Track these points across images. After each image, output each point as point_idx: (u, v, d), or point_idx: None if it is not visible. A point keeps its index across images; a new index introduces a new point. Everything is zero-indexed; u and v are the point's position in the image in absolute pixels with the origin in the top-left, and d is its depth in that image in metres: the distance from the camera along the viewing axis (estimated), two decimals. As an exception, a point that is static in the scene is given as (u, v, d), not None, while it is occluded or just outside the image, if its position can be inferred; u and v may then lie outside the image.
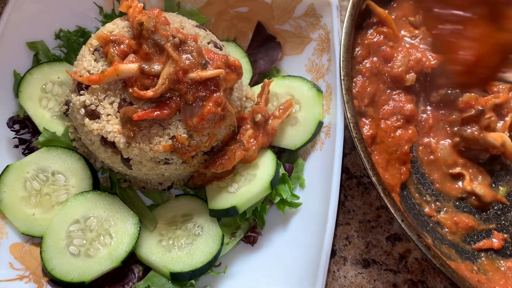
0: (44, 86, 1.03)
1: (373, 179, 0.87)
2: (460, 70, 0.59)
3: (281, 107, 1.01)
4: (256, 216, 0.98)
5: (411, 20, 1.15)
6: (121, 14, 1.04)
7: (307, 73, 1.07)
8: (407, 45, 1.11)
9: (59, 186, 0.96)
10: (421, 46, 1.11)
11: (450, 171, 1.08)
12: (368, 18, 1.11)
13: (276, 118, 1.00)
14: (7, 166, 0.95)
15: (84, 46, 0.95)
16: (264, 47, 1.12)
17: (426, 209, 1.04)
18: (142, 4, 0.92)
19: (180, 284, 0.91)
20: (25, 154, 1.01)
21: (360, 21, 1.08)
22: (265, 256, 0.97)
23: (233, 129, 0.98)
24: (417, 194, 1.05)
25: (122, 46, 0.88)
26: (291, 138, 1.02)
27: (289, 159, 1.04)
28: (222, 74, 0.87)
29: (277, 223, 0.99)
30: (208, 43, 0.96)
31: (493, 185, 1.08)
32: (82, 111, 0.89)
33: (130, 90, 0.86)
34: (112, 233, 0.92)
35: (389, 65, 1.08)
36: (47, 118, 1.02)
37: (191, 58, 0.85)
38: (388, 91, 1.08)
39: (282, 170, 0.99)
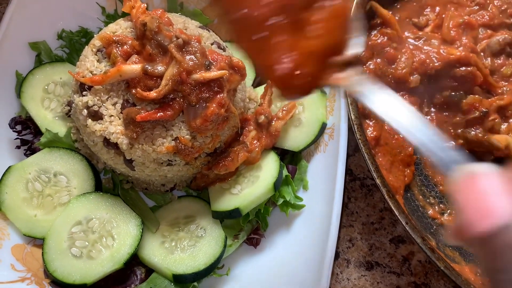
0: (46, 87, 1.03)
1: (378, 181, 0.87)
2: (280, 82, 0.56)
3: (284, 109, 1.01)
4: (259, 218, 0.98)
5: (415, 22, 1.15)
6: (124, 15, 1.04)
7: (310, 74, 1.07)
8: (411, 47, 1.10)
9: (61, 187, 0.96)
10: (425, 47, 1.10)
11: (454, 173, 1.07)
12: (372, 19, 1.10)
13: (280, 120, 1.00)
14: (9, 167, 0.95)
15: (86, 46, 0.94)
16: (267, 48, 1.11)
17: (430, 211, 1.03)
18: (145, 5, 0.92)
19: (183, 286, 0.91)
20: (27, 155, 1.01)
21: (364, 22, 1.08)
22: (268, 258, 0.97)
23: (236, 131, 0.97)
24: (420, 196, 1.05)
25: (125, 46, 0.87)
26: (295, 139, 1.02)
27: (292, 161, 1.04)
28: (226, 75, 0.86)
29: (280, 225, 0.99)
30: (212, 44, 0.96)
31: (497, 188, 1.07)
32: (85, 112, 0.89)
33: (133, 91, 0.86)
34: (115, 234, 0.91)
35: (393, 66, 1.07)
36: (49, 119, 1.02)
37: (195, 59, 0.84)
38: (392, 93, 1.07)
39: (285, 172, 0.98)
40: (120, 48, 0.88)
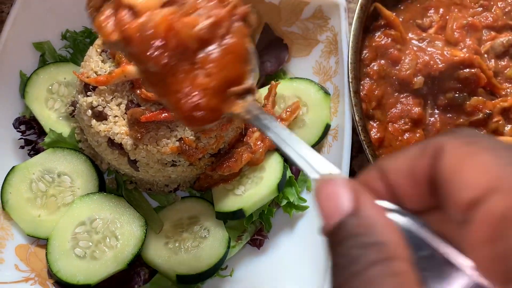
0: (50, 87, 1.03)
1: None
2: (184, 118, 0.62)
3: (288, 110, 1.01)
4: (263, 219, 0.98)
5: (419, 23, 1.15)
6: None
7: (314, 75, 1.07)
8: (415, 48, 1.10)
9: (65, 187, 0.96)
10: (428, 49, 1.10)
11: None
12: (376, 21, 1.10)
13: (283, 121, 1.00)
14: (13, 167, 0.95)
15: (91, 47, 0.94)
16: (271, 49, 1.11)
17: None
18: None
19: (187, 287, 0.91)
20: (30, 155, 1.01)
21: (368, 23, 1.08)
22: (271, 259, 0.97)
23: (240, 131, 0.97)
24: (424, 198, 1.05)
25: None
26: (298, 140, 1.02)
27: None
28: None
29: (284, 226, 0.99)
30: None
31: (501, 189, 1.07)
32: (89, 112, 0.89)
33: (138, 91, 0.86)
34: (118, 235, 0.91)
35: (396, 68, 1.07)
36: (53, 119, 1.02)
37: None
38: (396, 94, 1.07)
39: (289, 173, 0.98)
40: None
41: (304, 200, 0.98)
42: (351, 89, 0.95)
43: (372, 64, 1.07)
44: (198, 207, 0.98)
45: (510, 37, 1.12)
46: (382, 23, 1.10)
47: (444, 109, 1.10)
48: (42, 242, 0.94)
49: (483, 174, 0.38)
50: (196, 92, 0.60)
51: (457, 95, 1.09)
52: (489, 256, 0.37)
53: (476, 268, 0.40)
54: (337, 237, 0.41)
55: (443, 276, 0.42)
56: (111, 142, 0.89)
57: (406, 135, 1.05)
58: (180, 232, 0.95)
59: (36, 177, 0.95)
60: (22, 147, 1.01)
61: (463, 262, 0.42)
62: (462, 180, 0.39)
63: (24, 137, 1.01)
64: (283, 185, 0.95)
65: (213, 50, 0.61)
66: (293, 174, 1.00)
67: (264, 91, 1.05)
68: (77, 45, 1.08)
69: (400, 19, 1.12)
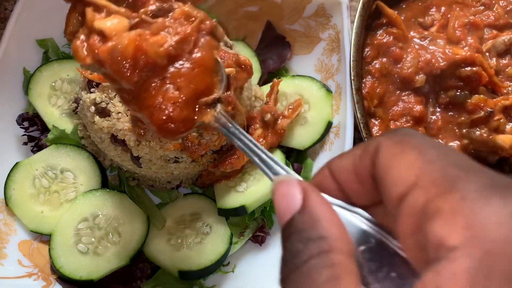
0: (53, 84, 1.03)
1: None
2: (158, 129, 0.67)
3: (290, 107, 1.01)
4: (265, 216, 0.98)
5: (420, 21, 1.15)
6: (131, 13, 1.04)
7: (316, 73, 1.07)
8: (417, 46, 1.11)
9: (68, 183, 0.96)
10: (430, 47, 1.11)
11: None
12: (378, 19, 1.10)
13: (285, 118, 1.00)
14: (16, 163, 0.95)
15: (94, 44, 0.94)
16: (273, 46, 1.11)
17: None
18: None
19: (189, 283, 0.91)
20: (34, 152, 1.01)
21: (370, 21, 1.08)
22: (273, 255, 0.97)
23: (242, 128, 0.97)
24: (425, 196, 1.05)
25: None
26: (300, 138, 1.02)
27: (297, 159, 1.04)
28: (233, 73, 0.86)
29: (286, 223, 0.99)
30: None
31: (502, 187, 1.07)
32: (92, 108, 0.89)
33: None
34: (121, 231, 0.91)
35: (398, 66, 1.07)
36: (56, 116, 1.02)
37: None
38: (398, 92, 1.07)
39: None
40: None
41: (306, 197, 0.98)
42: (353, 87, 0.96)
43: (374, 62, 1.07)
44: (200, 203, 0.99)
45: (511, 35, 1.13)
46: (384, 21, 1.10)
47: (446, 107, 1.10)
48: (45, 238, 0.94)
49: (407, 171, 0.41)
50: (167, 105, 0.64)
51: (458, 93, 1.09)
52: (414, 246, 0.40)
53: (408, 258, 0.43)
54: (286, 233, 0.44)
55: (387, 266, 0.45)
56: (114, 139, 0.89)
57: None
58: (182, 229, 0.96)
59: (39, 173, 0.96)
60: (25, 144, 1.02)
61: (402, 252, 0.45)
62: (391, 177, 0.42)
63: (27, 134, 1.02)
64: (285, 182, 0.96)
65: (181, 65, 0.66)
66: (294, 171, 1.00)
67: (266, 88, 1.06)
68: (80, 42, 1.09)
69: (402, 18, 1.12)
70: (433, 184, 0.39)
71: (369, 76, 1.06)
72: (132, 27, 0.65)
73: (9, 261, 0.88)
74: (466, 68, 1.07)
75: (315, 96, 1.03)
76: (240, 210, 0.93)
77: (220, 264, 0.93)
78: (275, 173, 0.55)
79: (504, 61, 1.13)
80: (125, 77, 0.64)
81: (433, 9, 1.17)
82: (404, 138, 0.44)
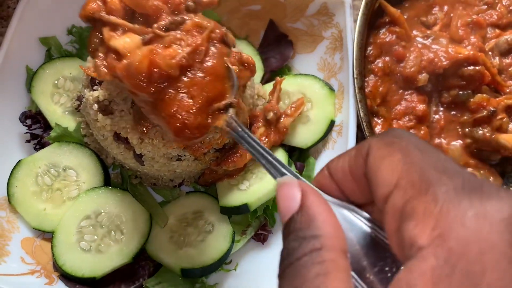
0: (56, 82, 1.04)
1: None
2: (175, 135, 0.72)
3: (293, 106, 1.01)
4: (267, 214, 0.98)
5: (423, 20, 1.15)
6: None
7: (319, 71, 1.07)
8: (419, 45, 1.10)
9: (70, 181, 0.96)
10: (433, 46, 1.11)
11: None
12: (380, 18, 1.10)
13: (288, 117, 1.00)
14: (19, 161, 0.95)
15: (97, 41, 0.95)
16: (276, 45, 1.11)
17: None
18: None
19: (191, 281, 0.91)
20: (36, 149, 1.01)
21: (372, 20, 1.08)
22: (275, 254, 0.97)
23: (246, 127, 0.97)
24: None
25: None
26: (303, 136, 1.02)
27: (300, 158, 1.04)
28: (236, 71, 0.86)
29: (288, 222, 0.99)
30: (222, 40, 0.96)
31: (505, 186, 1.07)
32: (95, 106, 0.89)
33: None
34: (123, 229, 0.92)
35: (401, 65, 1.07)
36: (58, 114, 1.03)
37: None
38: (400, 91, 1.07)
39: (293, 169, 0.98)
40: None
41: (308, 196, 0.98)
42: (356, 86, 0.96)
43: (377, 61, 1.07)
44: (203, 202, 0.99)
45: (514, 35, 1.13)
46: (387, 20, 1.10)
47: (448, 106, 1.10)
48: (47, 235, 0.94)
49: (391, 173, 0.44)
50: (182, 114, 0.69)
51: (461, 92, 1.09)
52: (396, 244, 0.43)
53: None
54: (286, 232, 0.47)
55: (381, 260, 0.47)
56: (117, 136, 0.89)
57: (411, 132, 1.05)
58: (184, 227, 0.96)
59: (41, 171, 0.96)
60: (28, 141, 1.02)
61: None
62: (378, 179, 0.45)
63: (30, 131, 1.02)
64: (287, 180, 0.96)
65: (194, 74, 0.70)
66: (297, 170, 1.00)
67: (269, 87, 1.06)
68: (83, 40, 1.09)
69: (405, 16, 1.12)
70: (411, 186, 0.42)
71: (372, 75, 1.06)
72: (146, 42, 0.70)
73: (12, 258, 0.89)
74: (469, 67, 1.07)
75: (318, 94, 1.03)
76: (242, 209, 0.93)
77: (223, 262, 0.93)
78: (282, 175, 0.58)
79: (507, 60, 1.12)
80: (142, 90, 0.69)
81: (436, 8, 1.17)
82: (394, 140, 0.46)
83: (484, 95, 1.08)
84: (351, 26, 1.02)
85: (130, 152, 0.91)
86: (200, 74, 0.70)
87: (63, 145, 0.98)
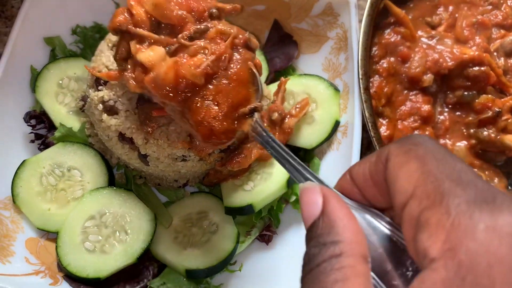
0: (60, 82, 1.03)
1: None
2: (204, 141, 0.76)
3: (297, 106, 1.01)
4: (272, 215, 0.98)
5: (428, 21, 1.15)
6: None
7: (323, 72, 1.07)
8: (424, 46, 1.10)
9: (75, 181, 0.96)
10: (438, 47, 1.10)
11: (466, 172, 1.06)
12: (385, 18, 1.10)
13: (293, 117, 1.00)
14: (24, 161, 0.95)
15: (102, 41, 0.95)
16: (280, 45, 1.11)
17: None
18: (161, 1, 0.92)
19: (196, 282, 0.91)
20: (40, 149, 1.01)
21: (377, 20, 1.08)
22: (279, 255, 0.97)
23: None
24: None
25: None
26: (307, 137, 1.02)
27: (304, 158, 1.04)
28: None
29: (293, 222, 0.99)
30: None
31: (510, 188, 1.07)
32: (100, 106, 0.89)
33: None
34: (128, 229, 0.91)
35: (406, 65, 1.07)
36: (63, 114, 1.02)
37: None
38: (405, 92, 1.07)
39: (298, 169, 0.98)
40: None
41: (313, 197, 0.98)
42: (361, 86, 0.96)
43: (382, 61, 1.07)
44: (207, 202, 0.98)
45: (520, 35, 1.12)
46: (392, 20, 1.10)
47: (453, 107, 1.10)
48: (52, 235, 0.94)
49: (408, 182, 0.45)
50: (209, 120, 0.72)
51: (466, 93, 1.09)
52: (413, 251, 0.44)
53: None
54: (308, 237, 0.49)
55: (402, 265, 0.48)
56: (121, 137, 0.89)
57: (416, 132, 1.05)
58: (189, 227, 0.95)
59: (46, 171, 0.95)
60: (32, 141, 1.02)
61: None
62: (396, 186, 0.46)
63: (34, 131, 1.02)
64: (292, 181, 0.95)
65: (219, 81, 0.73)
66: (302, 170, 0.99)
67: (273, 87, 1.05)
68: (87, 40, 1.09)
69: (410, 17, 1.12)
70: (426, 196, 0.43)
71: (377, 75, 1.05)
72: (172, 53, 0.73)
73: (16, 258, 0.88)
74: (474, 68, 1.07)
75: (323, 95, 1.03)
76: (247, 209, 0.93)
77: (227, 263, 0.93)
78: (306, 180, 0.59)
79: (512, 61, 1.12)
80: (171, 99, 0.72)
81: (441, 9, 1.17)
82: (412, 147, 0.47)
83: (489, 95, 1.07)
84: (356, 27, 1.01)
85: (135, 153, 0.91)
86: (225, 81, 0.73)
87: (67, 145, 0.98)
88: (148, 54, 0.72)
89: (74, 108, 1.03)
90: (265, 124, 0.99)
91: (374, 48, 1.07)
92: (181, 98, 0.72)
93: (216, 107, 0.72)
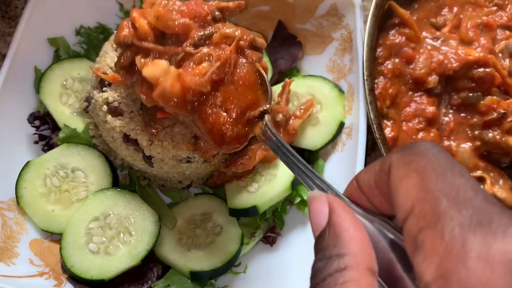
0: (64, 82, 1.03)
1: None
2: (218, 146, 0.76)
3: (302, 107, 1.01)
4: (276, 217, 0.97)
5: (433, 22, 1.14)
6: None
7: (328, 73, 1.06)
8: (429, 47, 1.10)
9: (79, 183, 0.96)
10: (443, 48, 1.10)
11: (471, 174, 1.06)
12: (390, 19, 1.10)
13: (297, 118, 1.00)
14: (28, 162, 0.95)
15: (107, 42, 0.94)
16: (285, 46, 1.11)
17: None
18: (167, 2, 0.91)
19: (200, 284, 0.91)
20: (44, 150, 1.01)
21: (382, 21, 1.08)
22: (284, 256, 0.97)
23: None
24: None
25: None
26: (312, 138, 1.01)
27: (309, 160, 1.04)
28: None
29: (297, 224, 0.99)
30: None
31: (515, 190, 1.06)
32: (105, 108, 0.89)
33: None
34: (132, 231, 0.91)
35: (411, 66, 1.07)
36: (67, 115, 1.02)
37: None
38: (410, 93, 1.07)
39: (302, 171, 0.98)
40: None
41: (318, 198, 0.97)
42: (366, 87, 0.95)
43: (386, 62, 1.07)
44: (211, 203, 0.98)
45: (525, 36, 1.12)
46: (396, 21, 1.09)
47: (458, 109, 1.09)
48: (56, 237, 0.94)
49: (407, 198, 0.45)
50: (219, 128, 0.72)
51: (471, 94, 1.08)
52: (414, 264, 0.44)
53: None
54: (315, 249, 0.49)
55: (410, 271, 0.48)
56: (126, 138, 0.89)
57: (420, 134, 1.05)
58: (193, 228, 0.95)
59: (50, 172, 0.95)
60: (36, 142, 1.01)
61: None
62: (397, 201, 0.46)
63: (38, 132, 1.01)
64: (297, 182, 0.95)
65: (226, 87, 0.73)
66: (306, 172, 0.99)
67: (277, 88, 1.05)
68: (91, 41, 1.09)
69: (414, 18, 1.12)
70: (423, 216, 0.43)
71: (382, 77, 1.05)
72: (178, 62, 0.74)
73: (20, 260, 0.88)
74: (479, 69, 1.06)
75: (327, 96, 1.02)
76: (251, 211, 0.93)
77: (232, 265, 0.92)
78: (317, 186, 0.58)
79: (517, 62, 1.12)
80: (181, 110, 0.73)
81: (446, 9, 1.16)
82: (414, 158, 0.47)
83: (494, 97, 1.07)
84: (361, 28, 1.01)
85: (139, 154, 0.91)
86: (231, 87, 0.73)
87: (71, 146, 0.97)
88: (151, 70, 0.73)
89: (78, 109, 1.03)
90: (270, 126, 0.98)
91: (379, 49, 1.07)
92: (190, 107, 0.72)
93: (225, 114, 0.72)
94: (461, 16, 1.14)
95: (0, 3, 1.16)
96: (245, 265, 0.96)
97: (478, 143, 1.07)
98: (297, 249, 0.96)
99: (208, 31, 0.75)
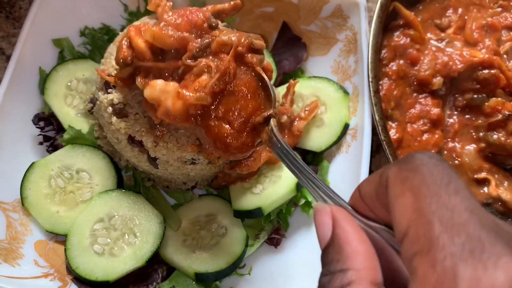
0: (69, 84, 1.03)
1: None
2: (225, 155, 0.77)
3: (306, 109, 1.01)
4: (280, 218, 0.97)
5: (437, 23, 1.14)
6: (147, 12, 1.04)
7: (332, 74, 1.06)
8: (433, 48, 1.10)
9: (84, 184, 0.96)
10: (447, 49, 1.10)
11: (476, 176, 1.06)
12: (394, 20, 1.09)
13: (302, 120, 1.00)
14: (32, 163, 0.95)
15: (111, 44, 0.94)
16: (289, 47, 1.11)
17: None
18: (171, 3, 0.91)
19: (205, 285, 0.91)
20: (49, 152, 1.01)
21: (387, 23, 1.07)
22: (288, 258, 0.97)
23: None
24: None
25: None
26: (316, 140, 1.01)
27: (313, 161, 1.04)
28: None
29: (301, 226, 0.99)
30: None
31: (519, 191, 1.06)
32: (110, 109, 0.89)
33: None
34: (137, 232, 0.91)
35: (415, 68, 1.07)
36: (71, 116, 1.02)
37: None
38: (415, 95, 1.06)
39: (307, 172, 0.98)
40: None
41: (322, 200, 0.97)
42: (371, 89, 0.95)
43: (391, 64, 1.06)
44: (216, 205, 0.98)
45: (529, 38, 1.11)
46: (401, 22, 1.09)
47: (463, 110, 1.09)
48: (60, 238, 0.94)
49: (403, 217, 0.45)
50: (223, 139, 0.73)
51: (476, 96, 1.08)
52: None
53: None
54: (321, 263, 0.49)
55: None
56: (131, 140, 0.89)
57: (425, 135, 1.04)
58: (197, 230, 0.95)
59: (55, 174, 0.95)
60: (41, 143, 1.01)
61: None
62: (394, 219, 0.46)
63: (43, 133, 1.01)
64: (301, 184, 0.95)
65: (227, 99, 0.74)
66: (311, 173, 0.99)
67: (282, 89, 1.05)
68: (95, 42, 1.08)
69: (419, 19, 1.11)
70: (416, 240, 0.42)
71: (386, 78, 1.05)
72: (180, 76, 0.75)
73: (25, 261, 0.88)
74: (483, 71, 1.06)
75: (332, 97, 1.02)
76: (256, 212, 0.93)
77: (237, 267, 0.92)
78: (323, 192, 0.58)
79: (522, 64, 1.11)
80: (186, 124, 0.75)
81: (450, 11, 1.16)
82: (409, 175, 0.46)
83: (499, 98, 1.07)
84: (366, 29, 1.01)
85: (144, 155, 0.91)
86: (232, 97, 0.73)
87: (76, 147, 0.97)
88: (150, 92, 0.74)
89: (83, 110, 1.03)
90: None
91: (384, 51, 1.07)
92: (195, 120, 0.74)
93: (228, 126, 0.73)
94: (466, 17, 1.14)
95: (5, 4, 1.16)
96: (249, 267, 0.96)
97: (482, 144, 1.07)
98: (301, 251, 0.96)
99: (205, 41, 0.75)
